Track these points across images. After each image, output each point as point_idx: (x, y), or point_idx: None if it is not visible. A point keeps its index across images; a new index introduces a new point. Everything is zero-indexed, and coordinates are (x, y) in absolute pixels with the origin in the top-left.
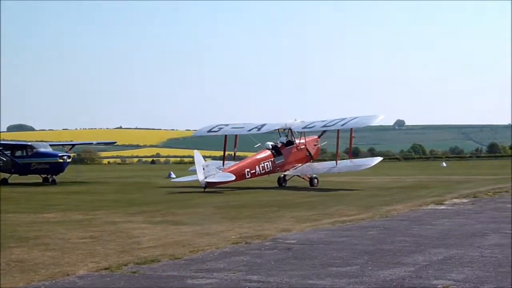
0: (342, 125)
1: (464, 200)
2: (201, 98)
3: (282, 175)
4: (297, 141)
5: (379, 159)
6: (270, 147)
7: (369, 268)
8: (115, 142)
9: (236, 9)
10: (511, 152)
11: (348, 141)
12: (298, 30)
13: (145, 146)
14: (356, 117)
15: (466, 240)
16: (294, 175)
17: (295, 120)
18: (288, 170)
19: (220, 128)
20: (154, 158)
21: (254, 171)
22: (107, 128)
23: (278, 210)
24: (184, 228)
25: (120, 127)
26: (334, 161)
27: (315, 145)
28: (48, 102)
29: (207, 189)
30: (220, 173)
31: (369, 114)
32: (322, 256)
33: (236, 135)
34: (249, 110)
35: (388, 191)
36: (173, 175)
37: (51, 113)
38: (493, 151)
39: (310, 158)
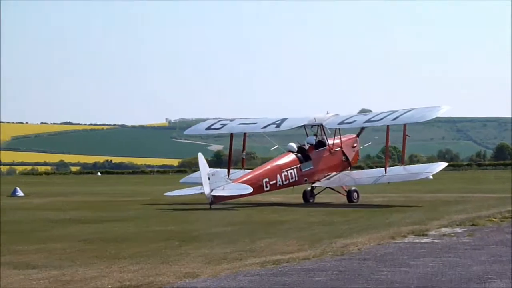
0: (393, 119)
1: (458, 230)
2: None
3: (310, 188)
4: (330, 141)
5: (443, 165)
6: (295, 149)
7: None
8: None
9: None
10: None
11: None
12: None
13: None
14: (411, 109)
15: None
16: (327, 187)
17: (327, 113)
18: (318, 180)
19: (224, 125)
20: None
21: (274, 181)
22: None
23: (179, 246)
24: (34, 273)
25: None
26: (381, 169)
27: (353, 146)
28: None
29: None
30: (232, 184)
31: (426, 106)
32: None
33: (245, 134)
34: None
35: (345, 215)
36: (19, 192)
37: None
38: (502, 156)
39: (347, 164)
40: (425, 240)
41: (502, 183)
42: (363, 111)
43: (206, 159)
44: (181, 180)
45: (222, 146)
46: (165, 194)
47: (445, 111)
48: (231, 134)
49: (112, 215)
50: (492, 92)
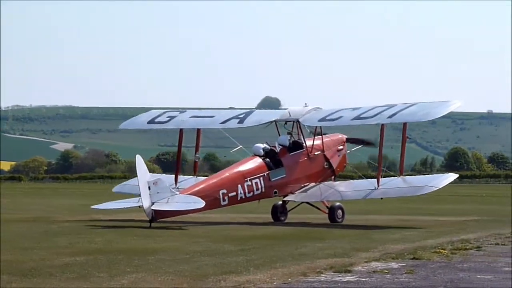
0: (390, 116)
1: (393, 265)
2: None
3: (281, 202)
4: (308, 142)
5: (452, 176)
6: (262, 152)
7: None
8: None
9: None
10: None
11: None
12: None
13: None
14: (412, 104)
15: None
16: (302, 202)
17: (305, 106)
18: (292, 192)
19: (171, 117)
20: None
21: (234, 193)
22: None
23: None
24: None
25: None
26: (373, 180)
27: (339, 150)
28: None
29: (154, 223)
30: (179, 196)
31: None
32: None
33: (198, 130)
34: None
35: (240, 243)
36: None
37: None
38: (456, 165)
39: (330, 172)
40: (348, 278)
41: (457, 202)
42: None
43: (48, 163)
44: (114, 189)
45: (72, 145)
46: (92, 207)
47: (456, 108)
48: (181, 130)
49: None
50: (445, 81)
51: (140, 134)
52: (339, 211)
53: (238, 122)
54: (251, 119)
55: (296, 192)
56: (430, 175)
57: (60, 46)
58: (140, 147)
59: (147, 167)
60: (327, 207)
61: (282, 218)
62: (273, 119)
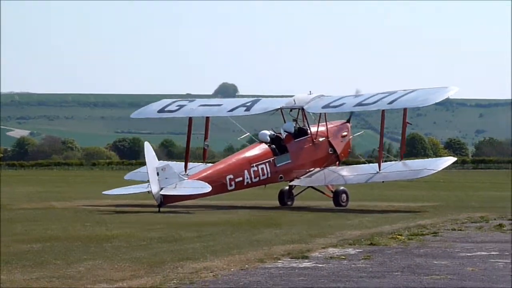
0: (390, 102)
1: (350, 251)
2: None
3: (288, 187)
4: (313, 129)
5: (450, 160)
6: (268, 138)
7: None
8: None
9: None
10: None
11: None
12: None
13: None
14: (412, 91)
15: None
16: (308, 187)
17: (310, 93)
18: (297, 177)
19: (181, 106)
20: None
21: (240, 179)
22: None
23: None
24: None
25: None
26: (374, 164)
27: (343, 136)
28: None
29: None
30: (187, 182)
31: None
32: None
33: (207, 118)
34: None
35: (198, 229)
36: None
37: None
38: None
39: (335, 158)
40: (305, 264)
41: (415, 188)
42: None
43: (4, 150)
44: (126, 176)
45: (28, 131)
46: (103, 192)
47: (454, 93)
48: (190, 118)
49: None
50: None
51: (97, 121)
52: (344, 195)
53: (245, 110)
54: (257, 107)
55: (301, 177)
56: (429, 159)
57: (16, 30)
58: (98, 133)
59: (105, 154)
60: (331, 191)
61: (289, 203)
62: (279, 107)
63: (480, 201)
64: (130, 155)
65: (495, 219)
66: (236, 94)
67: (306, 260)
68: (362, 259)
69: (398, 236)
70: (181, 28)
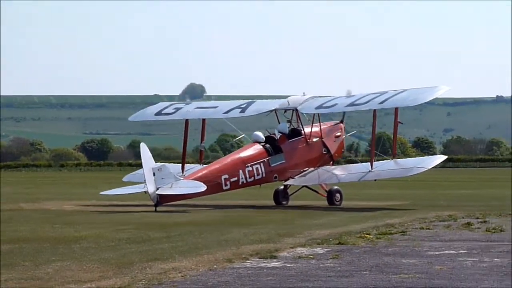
0: (381, 102)
1: (319, 250)
2: None
3: (283, 186)
4: (307, 129)
5: (440, 158)
6: (263, 139)
7: None
8: None
9: None
10: None
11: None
12: None
13: None
14: (403, 91)
15: None
16: (302, 186)
17: (303, 95)
18: (292, 177)
19: (177, 109)
20: None
21: (235, 178)
22: None
23: None
24: None
25: None
26: (367, 163)
27: (337, 136)
28: None
29: (159, 207)
30: (182, 182)
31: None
32: None
33: (203, 120)
34: None
35: (165, 230)
36: None
37: None
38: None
39: (329, 158)
40: (273, 264)
41: (382, 187)
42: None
43: None
44: (125, 178)
45: None
46: (101, 193)
47: (443, 93)
48: (186, 120)
49: None
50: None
51: (64, 122)
52: (337, 195)
53: (240, 112)
54: (252, 109)
55: (295, 177)
56: (420, 157)
57: None
58: (65, 134)
59: (73, 155)
60: (325, 190)
61: (284, 202)
62: (273, 108)
63: (448, 199)
64: (99, 156)
65: (463, 218)
66: (204, 94)
67: (275, 260)
68: (331, 258)
69: (366, 235)
70: (148, 28)
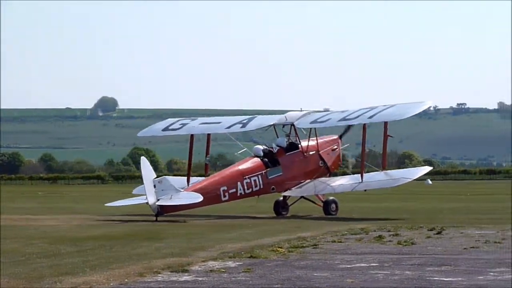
0: (370, 117)
1: (230, 263)
2: None
3: (282, 197)
4: (303, 143)
5: (426, 169)
6: (261, 153)
7: None
8: None
9: None
10: None
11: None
12: None
13: None
14: (392, 105)
15: None
16: (300, 197)
17: (301, 110)
18: (289, 189)
19: (184, 125)
20: None
21: (234, 190)
22: None
23: None
24: None
25: None
26: (357, 175)
27: (333, 149)
28: None
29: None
30: (182, 193)
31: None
32: None
33: (208, 135)
34: None
35: (77, 245)
36: None
37: None
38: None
39: (325, 170)
40: (185, 277)
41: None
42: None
43: None
44: (134, 191)
45: None
46: (106, 204)
47: (427, 106)
48: (191, 135)
49: None
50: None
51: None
52: (333, 205)
53: (241, 127)
54: (253, 124)
55: (292, 188)
56: (407, 169)
57: None
58: None
59: None
60: (322, 201)
61: (284, 213)
62: (272, 123)
63: (361, 212)
64: (10, 169)
65: (375, 231)
66: (116, 107)
67: (186, 274)
68: (242, 271)
69: (278, 249)
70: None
